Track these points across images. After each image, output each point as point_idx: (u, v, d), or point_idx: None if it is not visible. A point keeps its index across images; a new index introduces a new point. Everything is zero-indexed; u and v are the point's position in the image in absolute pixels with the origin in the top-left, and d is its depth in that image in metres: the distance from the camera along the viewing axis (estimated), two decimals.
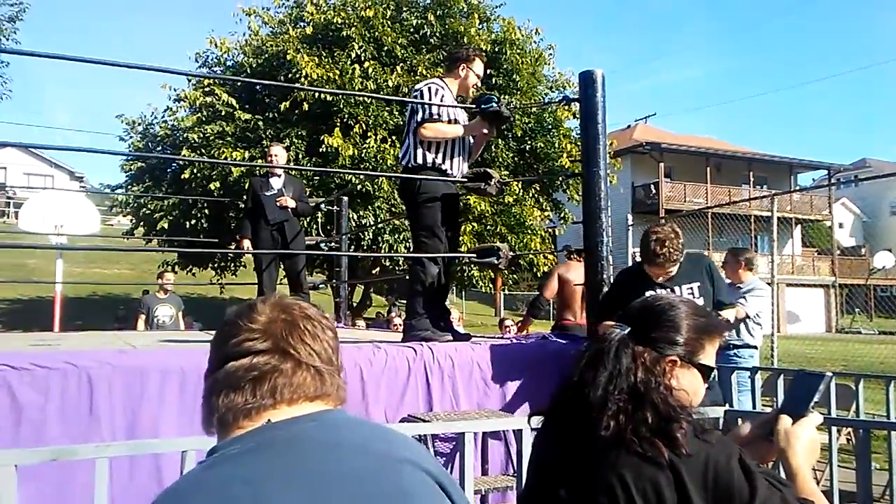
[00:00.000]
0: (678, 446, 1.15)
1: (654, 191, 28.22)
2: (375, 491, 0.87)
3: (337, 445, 0.93)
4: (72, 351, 2.94)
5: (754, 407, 4.26)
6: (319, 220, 10.47)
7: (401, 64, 12.06)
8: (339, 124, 11.50)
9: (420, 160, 4.02)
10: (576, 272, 5.09)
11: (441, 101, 3.98)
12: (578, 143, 11.83)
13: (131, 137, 12.76)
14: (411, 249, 4.42)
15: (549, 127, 13.27)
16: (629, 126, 32.59)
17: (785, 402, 1.42)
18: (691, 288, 3.43)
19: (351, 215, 9.83)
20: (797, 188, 32.47)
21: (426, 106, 3.98)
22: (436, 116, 3.97)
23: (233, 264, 13.78)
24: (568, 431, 1.29)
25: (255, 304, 1.08)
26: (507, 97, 12.27)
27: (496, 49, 12.77)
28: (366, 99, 11.54)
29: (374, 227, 11.26)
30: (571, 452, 1.26)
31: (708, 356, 1.37)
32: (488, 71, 12.61)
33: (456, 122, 4.08)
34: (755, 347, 5.19)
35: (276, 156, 5.85)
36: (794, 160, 32.17)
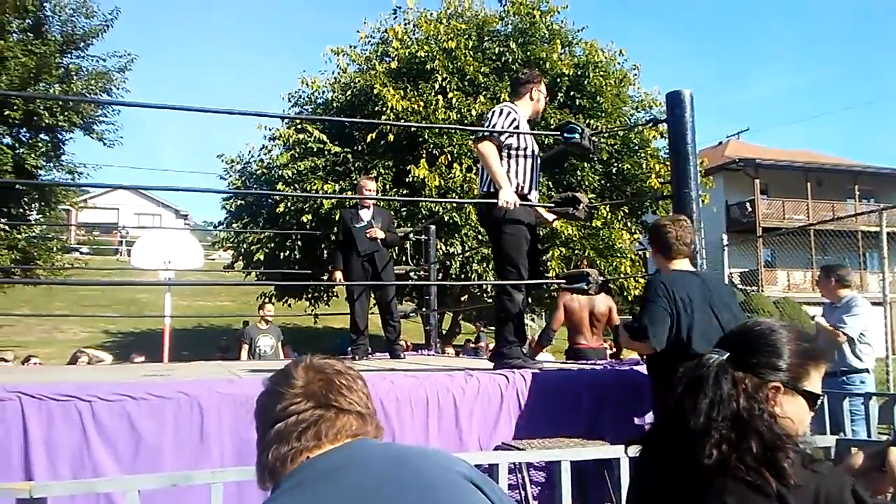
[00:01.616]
0: (785, 476, 1.12)
1: (749, 209, 27.08)
2: (401, 488, 0.97)
3: (367, 462, 1.04)
4: (184, 381, 3.11)
5: (869, 436, 4.00)
6: (408, 249, 10.67)
7: (484, 92, 12.21)
8: (424, 155, 11.72)
9: None
10: (579, 298, 5.41)
11: (512, 123, 3.97)
12: (667, 163, 11.58)
13: (230, 176, 13.45)
14: (496, 277, 4.42)
15: (636, 148, 13.07)
16: (720, 143, 31.49)
17: None
18: None
19: (438, 245, 9.96)
20: None
21: (490, 125, 3.97)
22: (495, 136, 3.94)
23: (325, 295, 14.18)
24: (668, 459, 1.27)
25: (289, 371, 1.19)
26: (591, 120, 12.18)
27: (579, 72, 12.74)
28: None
29: (461, 256, 11.34)
30: (672, 480, 1.24)
31: (813, 383, 1.32)
32: (571, 93, 12.60)
33: (527, 148, 4.05)
34: (866, 371, 4.85)
35: (369, 190, 5.97)
36: None
